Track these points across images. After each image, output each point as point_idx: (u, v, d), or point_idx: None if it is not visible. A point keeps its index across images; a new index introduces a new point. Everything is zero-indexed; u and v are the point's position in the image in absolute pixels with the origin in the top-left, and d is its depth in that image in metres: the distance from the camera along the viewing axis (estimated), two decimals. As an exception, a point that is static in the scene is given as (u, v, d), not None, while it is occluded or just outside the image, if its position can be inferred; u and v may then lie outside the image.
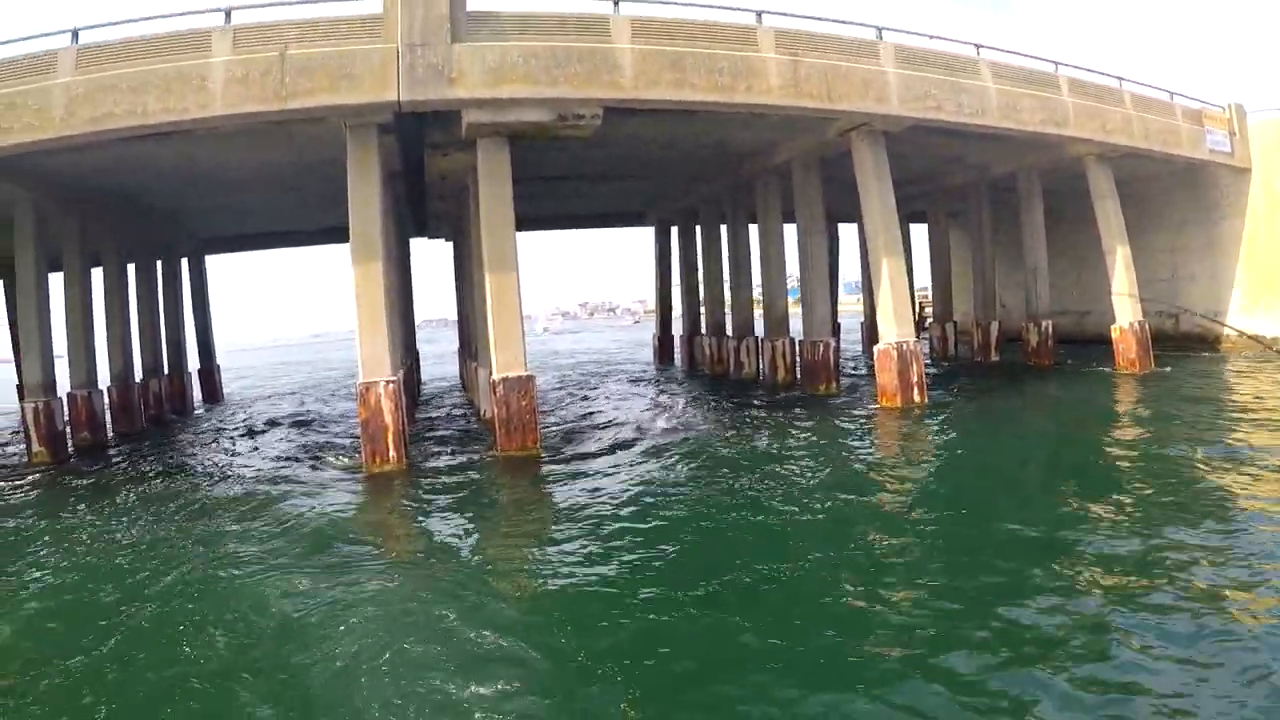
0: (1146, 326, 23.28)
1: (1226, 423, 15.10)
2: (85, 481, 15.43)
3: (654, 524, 10.22)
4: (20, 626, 7.56)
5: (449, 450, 16.54)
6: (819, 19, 18.00)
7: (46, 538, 11.05)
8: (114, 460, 17.75)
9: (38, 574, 9.28)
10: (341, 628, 6.91)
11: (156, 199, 21.99)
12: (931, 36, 19.76)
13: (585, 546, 9.35)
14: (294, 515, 11.40)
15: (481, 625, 6.77)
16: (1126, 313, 23.09)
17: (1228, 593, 6.74)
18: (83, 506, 12.97)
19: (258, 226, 29.81)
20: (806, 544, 9.06)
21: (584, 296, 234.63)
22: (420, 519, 11.71)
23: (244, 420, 24.65)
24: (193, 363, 30.32)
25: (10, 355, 30.35)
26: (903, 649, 6.17)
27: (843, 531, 9.42)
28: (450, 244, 31.71)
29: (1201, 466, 11.46)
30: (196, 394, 30.02)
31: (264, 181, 20.55)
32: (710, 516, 10.44)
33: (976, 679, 5.53)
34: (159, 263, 27.40)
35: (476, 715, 5.32)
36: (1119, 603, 6.68)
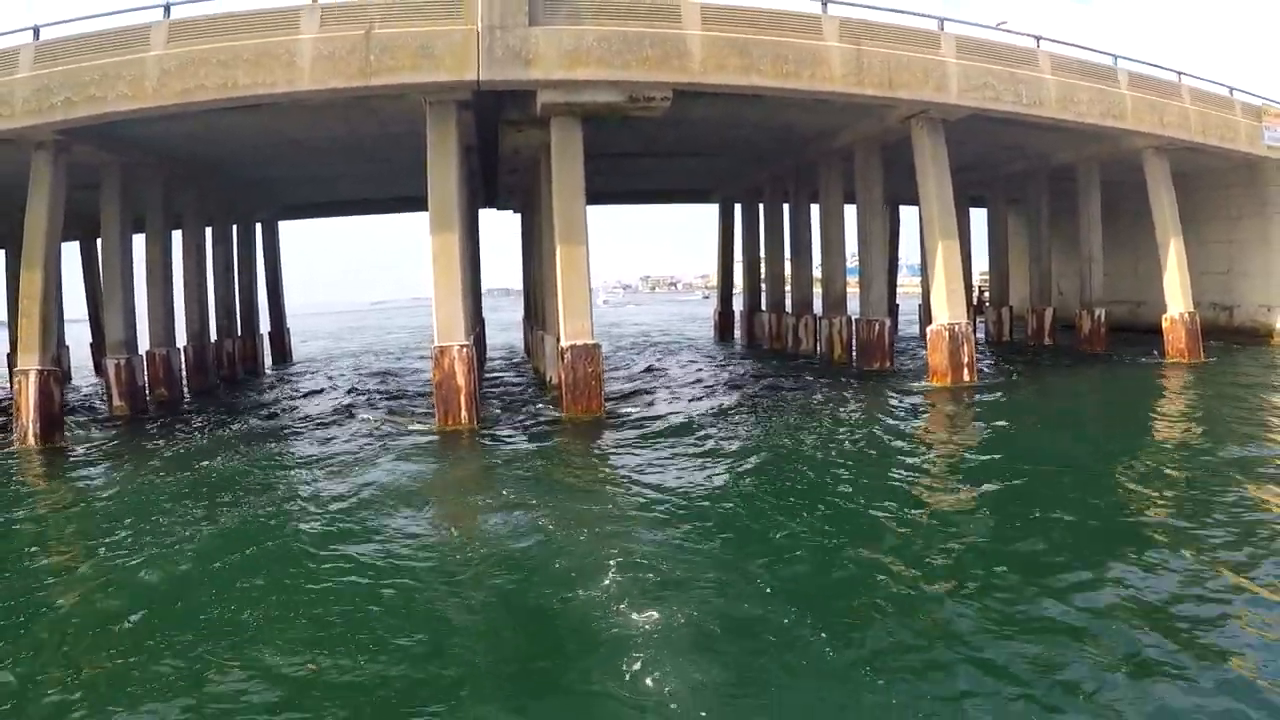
0: (1197, 318, 23.21)
1: (1258, 413, 15.51)
2: (197, 437, 16.13)
3: (714, 476, 11.33)
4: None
5: (516, 413, 17.16)
6: (882, 9, 18.12)
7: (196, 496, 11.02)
8: (197, 417, 18.50)
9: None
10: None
11: (239, 166, 22.76)
12: (994, 27, 19.91)
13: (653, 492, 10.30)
14: (386, 469, 12.19)
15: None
16: (1177, 303, 23.04)
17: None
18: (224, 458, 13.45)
19: (334, 194, 30.70)
20: (850, 501, 9.87)
21: (645, 270, 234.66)
22: (508, 468, 12.43)
23: (316, 380, 25.58)
24: (264, 325, 31.18)
25: (84, 314, 31.44)
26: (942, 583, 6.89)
27: (884, 494, 10.05)
28: (519, 216, 32.34)
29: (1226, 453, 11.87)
30: (267, 355, 30.87)
31: (343, 151, 21.12)
32: (763, 475, 11.29)
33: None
34: (235, 227, 28.22)
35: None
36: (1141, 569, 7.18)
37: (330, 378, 26.31)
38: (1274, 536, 7.80)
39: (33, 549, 8.91)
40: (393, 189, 28.53)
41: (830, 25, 16.96)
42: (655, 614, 6.16)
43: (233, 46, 14.75)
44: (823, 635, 5.85)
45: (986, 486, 10.29)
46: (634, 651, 5.63)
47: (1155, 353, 23.15)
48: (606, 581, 6.90)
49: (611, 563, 7.28)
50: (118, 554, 8.34)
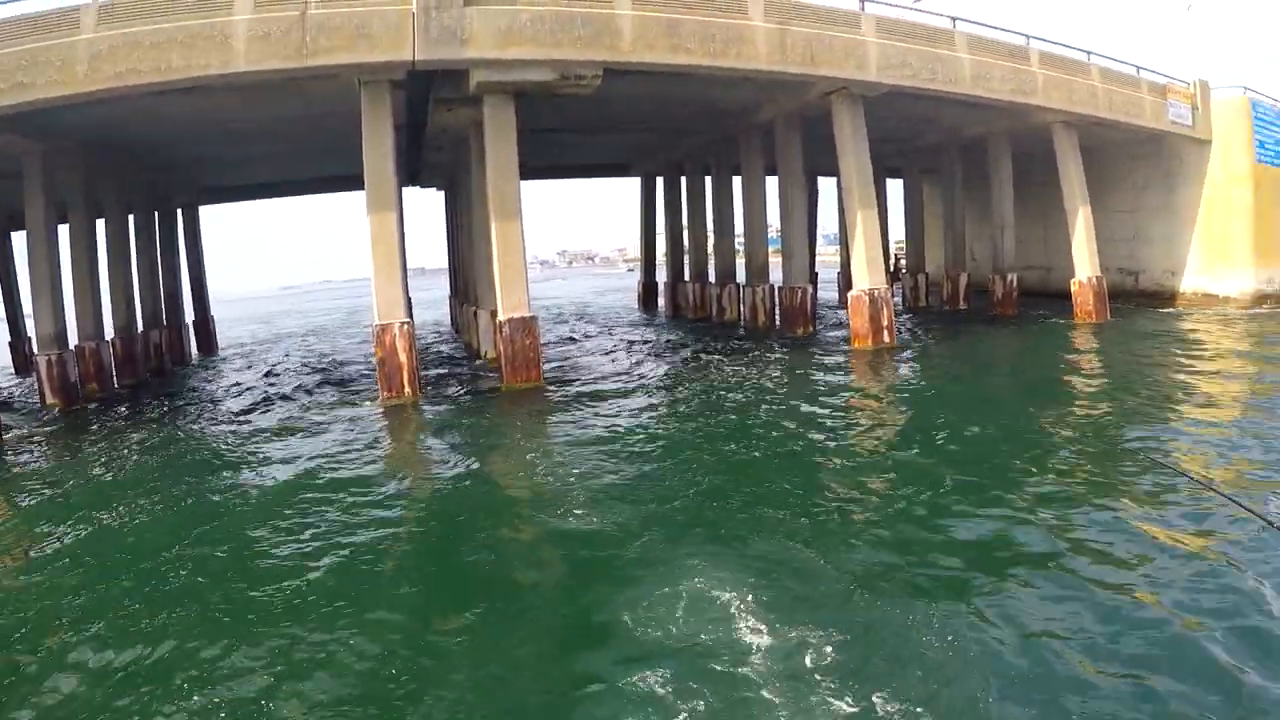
0: (1104, 281, 25.16)
1: (1152, 362, 17.46)
2: (134, 433, 16.48)
3: (652, 431, 12.65)
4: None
5: (456, 386, 17.93)
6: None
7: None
8: (137, 407, 18.76)
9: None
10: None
11: (164, 150, 22.80)
12: (910, 6, 21.12)
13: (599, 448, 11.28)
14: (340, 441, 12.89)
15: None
16: (1085, 268, 24.90)
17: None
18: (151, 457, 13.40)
19: (255, 177, 30.83)
20: (777, 448, 11.14)
21: (562, 245, 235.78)
22: (456, 434, 13.27)
23: (253, 366, 25.77)
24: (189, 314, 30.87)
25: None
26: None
27: (818, 460, 11.07)
28: (442, 193, 32.79)
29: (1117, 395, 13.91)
30: (193, 345, 30.64)
31: (271, 132, 21.44)
32: (696, 428, 12.60)
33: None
34: (156, 214, 28.02)
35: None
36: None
37: (264, 362, 26.53)
38: (1145, 469, 9.14)
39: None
40: (318, 169, 28.95)
41: (756, 5, 17.94)
42: (613, 512, 8.20)
43: (166, 28, 14.89)
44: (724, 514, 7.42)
45: (900, 428, 11.80)
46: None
47: (1064, 316, 24.97)
48: (574, 495, 8.60)
49: (568, 483, 8.93)
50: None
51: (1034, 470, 9.25)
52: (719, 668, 5.19)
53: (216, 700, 5.15)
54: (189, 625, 6.19)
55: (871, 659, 5.24)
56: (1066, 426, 11.53)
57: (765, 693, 4.88)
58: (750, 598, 6.08)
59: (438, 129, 20.50)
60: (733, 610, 5.95)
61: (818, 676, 5.05)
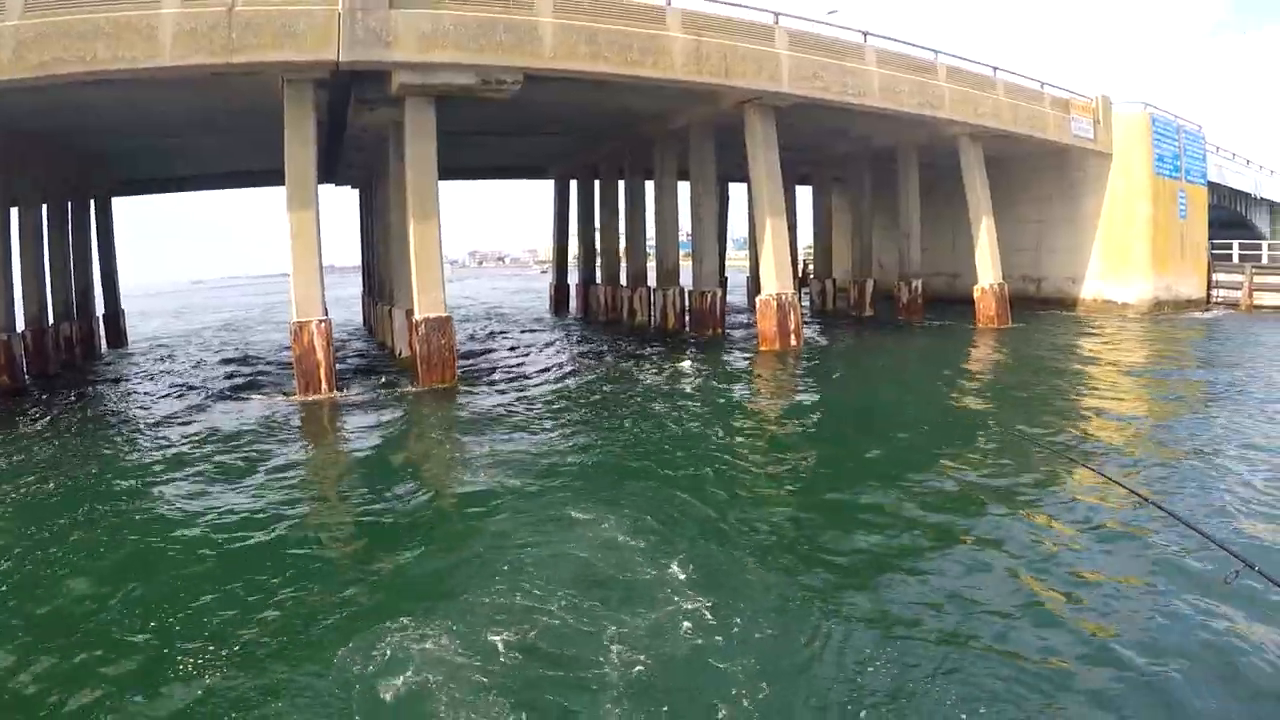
0: (1006, 289, 26.74)
1: (1046, 363, 19.32)
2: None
3: (565, 426, 13.37)
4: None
5: (372, 384, 18.33)
6: (727, 4, 20.24)
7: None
8: (49, 400, 18.84)
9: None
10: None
11: (88, 140, 22.96)
12: (822, 21, 22.27)
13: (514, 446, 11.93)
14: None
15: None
16: (988, 275, 26.48)
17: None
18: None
19: (178, 169, 30.86)
20: (681, 440, 11.95)
21: (473, 245, 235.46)
22: (374, 431, 13.72)
23: (166, 360, 25.85)
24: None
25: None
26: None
27: (712, 438, 12.14)
28: (357, 191, 33.11)
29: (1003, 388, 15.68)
30: (103, 339, 30.47)
31: (193, 125, 21.73)
32: (605, 424, 13.43)
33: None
34: (70, 204, 27.91)
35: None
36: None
37: (176, 357, 26.64)
38: (1029, 459, 10.33)
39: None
40: (235, 164, 29.16)
41: (674, 17, 18.94)
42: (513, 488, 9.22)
43: (93, 19, 15.09)
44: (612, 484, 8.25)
45: (803, 423, 12.80)
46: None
47: (968, 321, 26.48)
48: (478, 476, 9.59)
49: (476, 476, 9.71)
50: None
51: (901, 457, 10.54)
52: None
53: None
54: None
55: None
56: (939, 418, 13.07)
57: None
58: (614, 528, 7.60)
59: (358, 129, 21.03)
60: (611, 539, 7.41)
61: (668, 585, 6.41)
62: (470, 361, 21.70)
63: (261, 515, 8.76)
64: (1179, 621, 5.66)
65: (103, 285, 31.78)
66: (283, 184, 16.77)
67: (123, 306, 32.89)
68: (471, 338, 28.62)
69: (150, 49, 15.30)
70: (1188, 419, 12.72)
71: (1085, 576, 6.54)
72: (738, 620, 5.75)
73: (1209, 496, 8.49)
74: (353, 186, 33.68)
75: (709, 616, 5.80)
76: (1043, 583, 6.40)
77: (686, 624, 5.71)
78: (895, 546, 7.35)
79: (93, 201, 30.54)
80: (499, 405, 14.97)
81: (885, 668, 5.17)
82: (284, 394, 17.08)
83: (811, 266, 39.57)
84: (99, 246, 31.47)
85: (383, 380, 18.69)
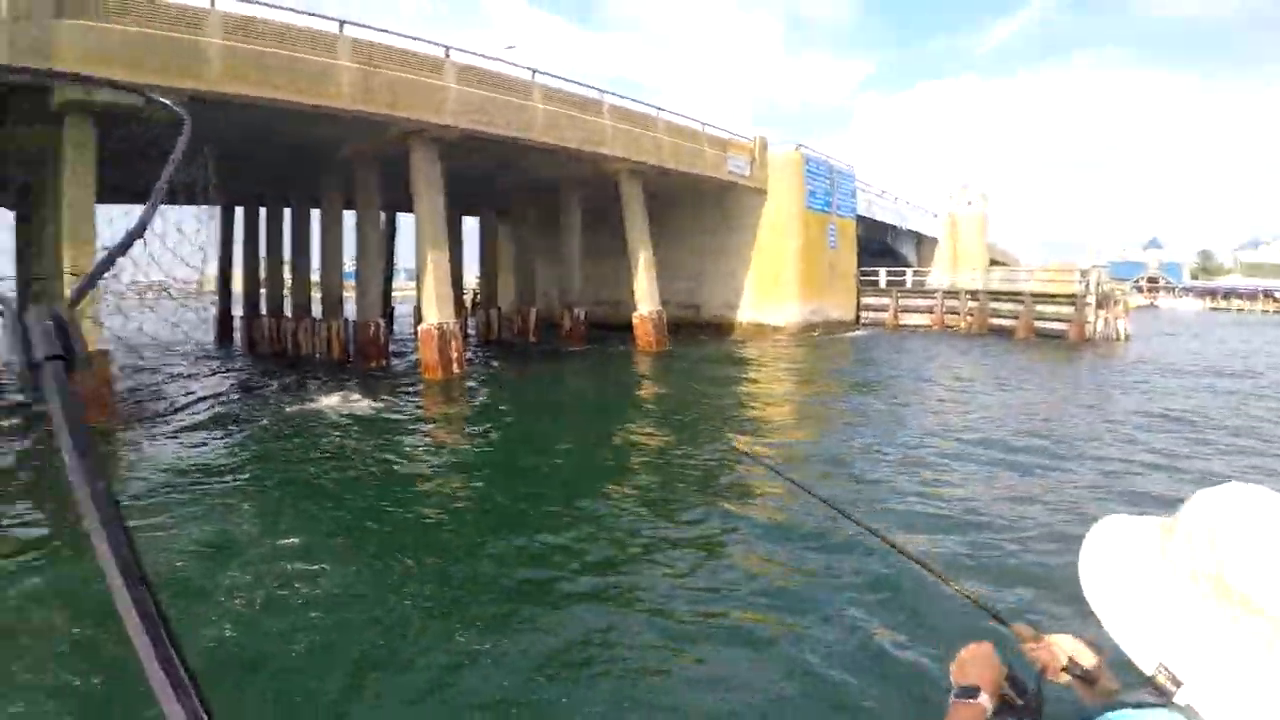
0: (664, 315, 30.16)
1: (692, 378, 22.67)
2: None
3: (217, 457, 14.76)
4: None
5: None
6: (393, 34, 21.57)
7: None
8: None
9: None
10: None
11: None
12: (494, 59, 24.16)
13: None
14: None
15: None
16: (645, 303, 29.75)
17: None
18: None
19: None
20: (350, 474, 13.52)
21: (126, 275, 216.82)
22: None
23: None
24: None
25: None
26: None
27: (374, 471, 13.16)
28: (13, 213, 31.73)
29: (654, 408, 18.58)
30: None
31: None
32: (260, 458, 14.01)
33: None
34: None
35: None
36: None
37: None
38: (681, 471, 12.48)
39: None
40: None
41: (345, 45, 19.90)
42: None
43: None
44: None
45: (461, 449, 14.37)
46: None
47: (628, 346, 29.39)
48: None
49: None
50: None
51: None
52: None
53: None
54: None
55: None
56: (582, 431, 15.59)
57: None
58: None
59: (12, 146, 20.13)
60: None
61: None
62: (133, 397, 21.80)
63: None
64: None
65: None
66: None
67: None
68: (137, 374, 26.95)
69: None
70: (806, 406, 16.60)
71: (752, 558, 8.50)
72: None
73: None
74: (8, 208, 31.74)
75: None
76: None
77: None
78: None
79: None
80: (159, 451, 14.33)
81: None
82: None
83: (480, 296, 41.26)
84: None
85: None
